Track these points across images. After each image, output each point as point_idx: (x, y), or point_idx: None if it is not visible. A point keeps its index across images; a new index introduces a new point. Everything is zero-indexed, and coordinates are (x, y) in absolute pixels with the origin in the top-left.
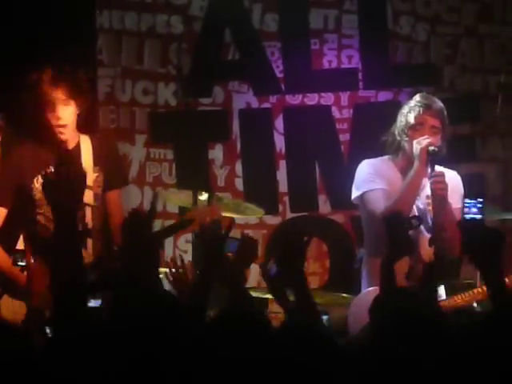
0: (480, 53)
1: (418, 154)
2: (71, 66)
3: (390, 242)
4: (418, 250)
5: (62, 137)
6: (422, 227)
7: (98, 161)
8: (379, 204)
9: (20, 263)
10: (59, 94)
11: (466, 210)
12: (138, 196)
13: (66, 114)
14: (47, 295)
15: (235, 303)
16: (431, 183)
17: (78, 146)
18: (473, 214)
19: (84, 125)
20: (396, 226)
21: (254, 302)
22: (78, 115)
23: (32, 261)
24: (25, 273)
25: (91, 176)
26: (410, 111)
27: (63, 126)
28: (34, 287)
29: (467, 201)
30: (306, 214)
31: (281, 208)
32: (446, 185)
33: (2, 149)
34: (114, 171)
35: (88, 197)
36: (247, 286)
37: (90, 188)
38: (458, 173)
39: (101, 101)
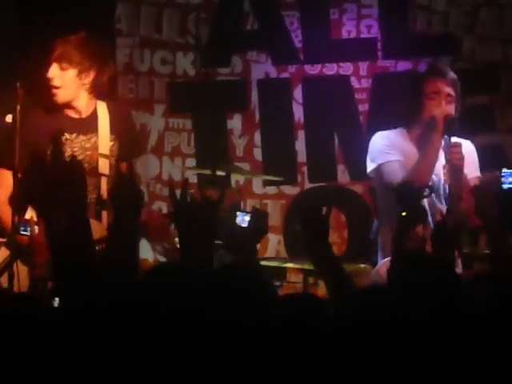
0: (500, 22)
1: (434, 122)
2: (94, 33)
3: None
4: (431, 219)
5: (56, 99)
6: (435, 198)
7: (114, 129)
8: (396, 176)
9: (23, 232)
10: (57, 54)
11: (503, 179)
12: (156, 166)
13: (58, 75)
14: (49, 266)
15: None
16: (448, 153)
17: (94, 113)
18: (509, 183)
19: (105, 92)
20: (407, 195)
21: (265, 274)
22: (97, 83)
23: (36, 231)
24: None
25: (107, 144)
26: (424, 79)
27: (56, 87)
28: (37, 258)
29: (504, 170)
30: (324, 184)
31: (299, 178)
32: (462, 155)
33: (20, 117)
34: (129, 141)
35: (104, 166)
36: (266, 256)
37: (106, 157)
38: (477, 143)
39: (119, 70)
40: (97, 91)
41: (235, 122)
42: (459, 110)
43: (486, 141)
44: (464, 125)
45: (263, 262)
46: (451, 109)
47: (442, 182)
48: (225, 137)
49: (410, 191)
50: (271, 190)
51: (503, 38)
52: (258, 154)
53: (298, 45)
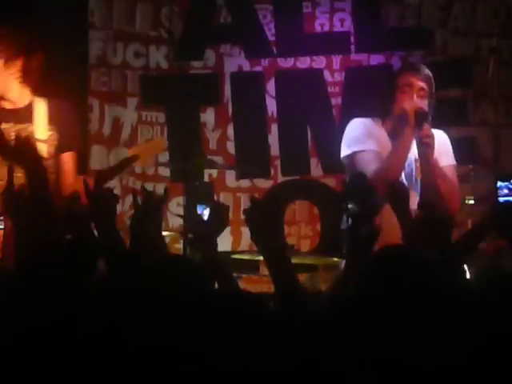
0: (472, 16)
1: (406, 116)
2: (13, 26)
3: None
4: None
5: None
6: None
7: (53, 121)
8: (369, 166)
9: None
10: None
11: (498, 191)
12: None
13: None
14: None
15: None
16: (418, 137)
17: (29, 106)
18: (503, 195)
19: (37, 84)
20: (354, 194)
21: (227, 266)
22: (26, 72)
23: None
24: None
25: (44, 132)
26: (398, 74)
27: None
28: (10, 250)
29: (499, 183)
30: (297, 177)
31: (272, 172)
32: (432, 133)
33: None
34: (68, 134)
35: (42, 152)
36: (240, 249)
37: (44, 142)
38: (449, 136)
39: (92, 63)
40: (28, 81)
41: (208, 116)
42: (432, 106)
43: (459, 134)
44: (437, 118)
45: (236, 255)
46: (423, 103)
47: (416, 172)
48: (198, 130)
49: (358, 191)
50: (244, 183)
51: (476, 32)
52: (231, 147)
53: (271, 38)
